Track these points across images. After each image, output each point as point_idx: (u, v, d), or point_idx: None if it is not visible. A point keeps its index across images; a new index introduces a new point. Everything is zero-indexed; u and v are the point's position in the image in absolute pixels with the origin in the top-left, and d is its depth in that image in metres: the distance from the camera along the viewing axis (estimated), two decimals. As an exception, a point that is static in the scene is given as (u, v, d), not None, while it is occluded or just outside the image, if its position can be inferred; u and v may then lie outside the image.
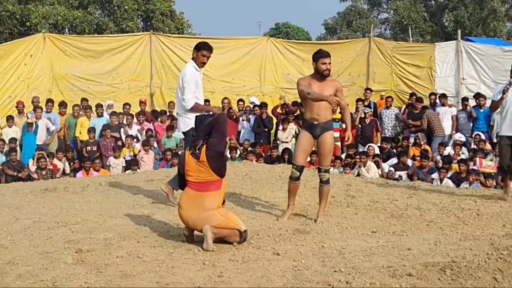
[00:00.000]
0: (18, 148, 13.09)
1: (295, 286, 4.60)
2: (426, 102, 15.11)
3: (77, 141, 13.91)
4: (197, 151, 5.69)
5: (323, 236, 6.07)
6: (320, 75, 6.74)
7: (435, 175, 12.02)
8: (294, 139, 13.90)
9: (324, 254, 5.38)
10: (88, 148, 13.39)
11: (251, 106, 15.28)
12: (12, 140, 13.16)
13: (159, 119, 14.69)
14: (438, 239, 5.89)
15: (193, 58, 7.41)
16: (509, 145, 8.22)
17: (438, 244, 5.70)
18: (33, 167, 12.46)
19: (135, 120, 14.44)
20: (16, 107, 14.40)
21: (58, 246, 5.54)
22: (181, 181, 6.09)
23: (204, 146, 5.70)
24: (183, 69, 7.50)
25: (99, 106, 14.56)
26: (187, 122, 7.36)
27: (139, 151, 13.54)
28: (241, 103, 15.18)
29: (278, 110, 14.91)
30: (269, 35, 24.51)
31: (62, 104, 14.69)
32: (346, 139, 7.19)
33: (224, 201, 6.04)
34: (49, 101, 14.63)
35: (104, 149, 13.44)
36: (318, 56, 6.74)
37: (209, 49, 7.36)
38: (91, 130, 13.58)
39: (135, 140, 13.78)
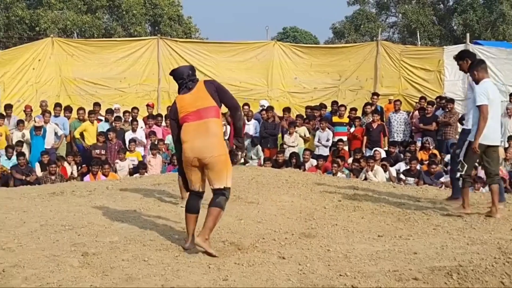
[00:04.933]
0: (26, 152, 13.12)
1: (300, 289, 4.59)
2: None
3: (83, 145, 13.90)
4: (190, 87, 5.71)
5: (329, 240, 6.05)
6: None
7: (443, 179, 11.93)
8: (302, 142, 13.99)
9: (329, 258, 5.36)
10: (97, 151, 13.40)
11: (260, 109, 15.23)
12: (19, 143, 13.20)
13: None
14: (445, 243, 5.85)
15: None
16: (483, 153, 7.22)
17: (445, 248, 5.66)
18: (39, 171, 12.49)
19: (141, 124, 14.45)
20: (24, 111, 14.45)
21: (64, 249, 5.56)
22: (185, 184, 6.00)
23: (202, 81, 5.73)
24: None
25: (109, 111, 14.60)
26: None
27: (143, 156, 13.57)
28: (246, 107, 14.96)
29: None
30: (276, 39, 24.49)
31: (67, 109, 14.71)
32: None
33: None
34: (57, 105, 14.64)
35: (109, 152, 13.47)
36: None
37: None
38: (101, 134, 13.63)
39: (139, 144, 13.82)
